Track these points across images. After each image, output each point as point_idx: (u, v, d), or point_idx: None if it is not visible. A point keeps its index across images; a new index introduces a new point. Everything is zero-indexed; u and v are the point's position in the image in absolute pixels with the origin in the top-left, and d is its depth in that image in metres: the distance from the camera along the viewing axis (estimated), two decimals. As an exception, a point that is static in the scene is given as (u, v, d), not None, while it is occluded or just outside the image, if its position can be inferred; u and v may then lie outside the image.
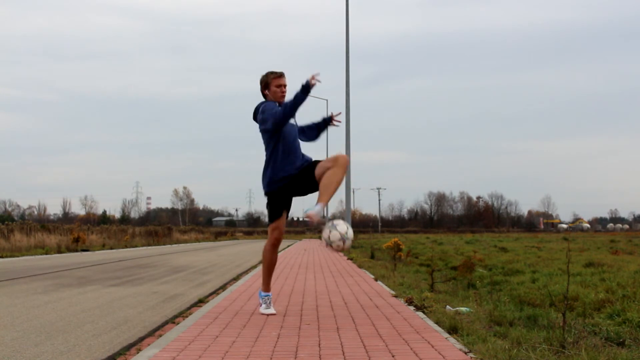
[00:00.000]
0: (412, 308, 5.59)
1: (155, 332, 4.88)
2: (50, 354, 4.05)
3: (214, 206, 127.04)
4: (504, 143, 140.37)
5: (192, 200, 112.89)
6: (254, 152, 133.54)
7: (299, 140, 5.31)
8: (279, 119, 5.03)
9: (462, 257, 15.63)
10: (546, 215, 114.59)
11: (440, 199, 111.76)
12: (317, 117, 5.54)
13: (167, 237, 41.78)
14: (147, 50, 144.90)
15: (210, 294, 7.54)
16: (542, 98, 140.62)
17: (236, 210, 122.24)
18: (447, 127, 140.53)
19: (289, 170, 5.13)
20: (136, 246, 29.93)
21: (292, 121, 5.25)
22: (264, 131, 5.18)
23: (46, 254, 20.17)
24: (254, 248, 27.62)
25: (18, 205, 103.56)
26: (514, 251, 19.87)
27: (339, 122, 5.49)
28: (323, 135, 5.58)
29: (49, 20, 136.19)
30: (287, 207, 5.28)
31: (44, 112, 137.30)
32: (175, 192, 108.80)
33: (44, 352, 4.11)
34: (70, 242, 24.88)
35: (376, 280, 8.57)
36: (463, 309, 5.72)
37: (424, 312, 5.35)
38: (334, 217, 6.44)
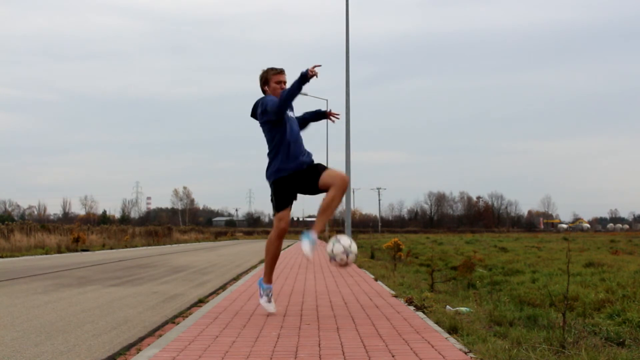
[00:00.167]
0: (412, 308, 5.59)
1: (155, 332, 4.88)
2: (50, 354, 4.05)
3: (214, 206, 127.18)
4: (504, 143, 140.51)
5: (192, 200, 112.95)
6: (254, 152, 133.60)
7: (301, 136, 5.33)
8: (276, 106, 5.05)
9: (462, 257, 15.64)
10: (546, 215, 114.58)
11: (440, 199, 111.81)
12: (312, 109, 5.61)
13: (167, 237, 41.79)
14: (147, 50, 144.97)
15: (210, 294, 7.54)
16: (542, 98, 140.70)
17: (236, 210, 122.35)
18: (447, 127, 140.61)
19: (297, 163, 5.14)
20: (136, 246, 29.93)
21: (292, 115, 5.27)
22: (265, 123, 5.18)
23: (46, 254, 20.17)
24: (254, 248, 27.62)
25: (18, 205, 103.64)
26: (514, 251, 19.87)
27: (337, 117, 5.56)
28: (311, 126, 5.62)
29: (49, 20, 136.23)
30: (294, 198, 5.23)
31: (44, 112, 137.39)
32: (175, 192, 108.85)
33: (44, 352, 4.11)
34: (70, 242, 24.88)
35: (376, 280, 8.58)
36: (463, 309, 5.72)
37: (424, 312, 5.35)
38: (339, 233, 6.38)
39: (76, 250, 22.84)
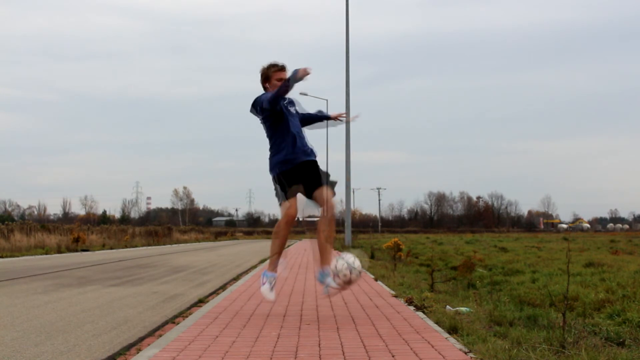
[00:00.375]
0: (412, 308, 5.59)
1: (155, 332, 4.88)
2: (50, 354, 4.05)
3: (214, 206, 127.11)
4: (504, 143, 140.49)
5: (192, 200, 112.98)
6: (254, 152, 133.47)
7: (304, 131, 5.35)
8: (266, 99, 5.08)
9: (462, 257, 15.63)
10: (546, 215, 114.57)
11: (440, 199, 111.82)
12: (318, 111, 5.70)
13: (167, 237, 41.79)
14: (147, 50, 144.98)
15: (210, 294, 7.54)
16: (542, 98, 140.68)
17: (236, 210, 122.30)
18: (447, 127, 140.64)
19: (303, 155, 5.16)
20: (136, 246, 29.93)
21: (293, 110, 5.29)
22: (266, 119, 5.19)
23: (46, 254, 20.17)
24: (254, 248, 27.63)
25: (18, 205, 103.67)
26: (514, 251, 19.86)
27: (344, 117, 5.70)
28: (313, 127, 5.67)
29: (49, 20, 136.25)
30: (301, 185, 5.17)
31: (44, 112, 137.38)
32: (175, 192, 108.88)
33: (44, 352, 4.11)
34: (70, 242, 24.88)
35: (376, 280, 8.58)
36: (463, 309, 5.72)
37: (424, 312, 5.35)
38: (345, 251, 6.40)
39: (76, 250, 22.83)
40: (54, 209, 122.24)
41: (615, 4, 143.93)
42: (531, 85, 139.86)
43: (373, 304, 5.90)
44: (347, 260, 4.83)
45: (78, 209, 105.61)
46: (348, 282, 4.89)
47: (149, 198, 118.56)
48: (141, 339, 4.57)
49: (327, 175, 5.29)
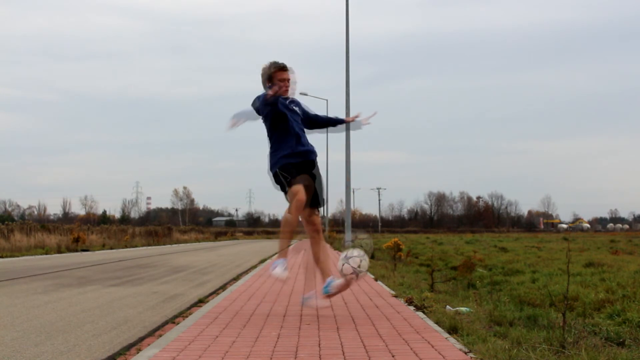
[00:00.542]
0: (412, 308, 5.59)
1: (155, 332, 4.88)
2: (50, 354, 4.05)
3: (214, 206, 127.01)
4: (504, 143, 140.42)
5: (192, 200, 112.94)
6: (254, 152, 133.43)
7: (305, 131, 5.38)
8: (256, 107, 5.21)
9: (462, 257, 15.63)
10: (546, 215, 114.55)
11: (440, 199, 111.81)
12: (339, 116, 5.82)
13: (167, 237, 41.77)
14: (147, 50, 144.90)
15: (210, 294, 7.54)
16: (542, 98, 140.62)
17: (236, 210, 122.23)
18: (447, 127, 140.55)
19: (307, 152, 5.20)
20: (136, 246, 29.93)
21: (296, 109, 5.30)
22: (266, 117, 5.22)
23: (46, 254, 20.17)
24: (254, 248, 27.63)
25: (18, 205, 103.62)
26: (514, 251, 19.87)
27: (361, 119, 5.77)
28: (330, 130, 5.79)
29: (49, 20, 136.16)
30: (306, 177, 5.12)
31: (44, 112, 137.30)
32: (175, 192, 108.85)
33: (44, 352, 4.11)
34: (70, 242, 24.87)
35: (376, 280, 8.57)
36: (463, 309, 5.72)
37: (424, 312, 5.35)
38: (354, 245, 6.32)
39: (76, 250, 22.83)
40: (54, 209, 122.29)
41: (615, 4, 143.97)
42: (531, 85, 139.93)
43: (373, 304, 5.90)
44: (353, 265, 4.87)
45: (78, 209, 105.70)
46: (349, 283, 4.96)
47: (149, 198, 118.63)
48: (141, 339, 4.57)
49: (320, 180, 5.31)
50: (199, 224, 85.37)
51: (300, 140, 5.19)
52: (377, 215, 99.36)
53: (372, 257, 15.34)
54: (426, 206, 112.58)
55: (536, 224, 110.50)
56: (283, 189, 5.19)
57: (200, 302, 6.73)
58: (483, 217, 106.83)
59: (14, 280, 9.58)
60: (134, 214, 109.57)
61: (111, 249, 25.73)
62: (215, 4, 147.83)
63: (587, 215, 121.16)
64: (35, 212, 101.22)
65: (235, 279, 9.86)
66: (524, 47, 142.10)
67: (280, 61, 5.30)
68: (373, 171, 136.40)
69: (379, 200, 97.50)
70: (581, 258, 14.38)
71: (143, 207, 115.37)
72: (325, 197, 5.44)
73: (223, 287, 8.36)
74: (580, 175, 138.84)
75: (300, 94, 5.26)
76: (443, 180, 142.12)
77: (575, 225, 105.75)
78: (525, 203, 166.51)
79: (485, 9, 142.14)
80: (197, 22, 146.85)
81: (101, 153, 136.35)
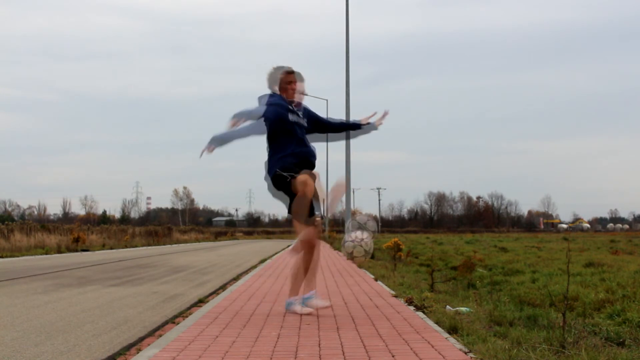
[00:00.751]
0: (412, 308, 5.59)
1: (155, 332, 4.88)
2: (50, 354, 4.05)
3: (214, 206, 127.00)
4: (504, 143, 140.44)
5: (192, 200, 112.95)
6: (254, 152, 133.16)
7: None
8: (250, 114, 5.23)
9: (462, 257, 15.63)
10: (546, 215, 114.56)
11: (440, 199, 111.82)
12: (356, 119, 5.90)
13: (167, 237, 41.77)
14: (147, 50, 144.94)
15: (210, 294, 7.54)
16: (542, 98, 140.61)
17: (236, 210, 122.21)
18: (447, 127, 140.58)
19: (309, 157, 5.19)
20: (136, 246, 29.93)
21: (297, 119, 5.26)
22: (267, 118, 5.21)
23: (46, 254, 20.16)
24: (254, 248, 27.63)
25: (18, 205, 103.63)
26: (514, 251, 19.87)
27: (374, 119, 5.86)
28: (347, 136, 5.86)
29: (49, 20, 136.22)
30: (309, 172, 5.09)
31: (44, 112, 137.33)
32: (175, 192, 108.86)
33: (44, 352, 4.11)
34: (70, 242, 24.87)
35: (376, 280, 8.57)
36: (463, 309, 5.72)
37: (424, 312, 5.35)
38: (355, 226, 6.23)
39: (76, 250, 22.83)
40: (54, 209, 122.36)
41: (615, 4, 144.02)
42: (531, 85, 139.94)
43: (373, 304, 5.90)
44: (356, 242, 5.11)
45: (78, 209, 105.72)
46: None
47: (149, 198, 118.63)
48: (141, 339, 4.57)
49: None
50: (199, 224, 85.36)
51: (302, 143, 5.18)
52: (377, 215, 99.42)
53: (372, 257, 15.35)
54: (426, 206, 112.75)
55: (536, 224, 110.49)
56: (285, 191, 5.08)
57: (200, 302, 6.73)
58: (483, 217, 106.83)
59: (14, 280, 9.58)
60: (134, 214, 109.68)
61: (111, 249, 25.73)
62: (215, 4, 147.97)
63: (587, 215, 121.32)
64: (35, 212, 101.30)
65: (235, 279, 9.86)
66: (524, 47, 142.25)
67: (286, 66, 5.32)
68: (373, 171, 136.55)
69: (379, 200, 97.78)
70: (581, 258, 14.38)
71: (143, 207, 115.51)
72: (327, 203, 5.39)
73: (223, 287, 8.36)
74: (580, 175, 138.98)
75: (300, 93, 5.24)
76: (443, 180, 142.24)
77: (575, 225, 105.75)
78: (525, 203, 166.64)
79: (485, 9, 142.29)
80: (197, 22, 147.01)
81: (101, 153, 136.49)
